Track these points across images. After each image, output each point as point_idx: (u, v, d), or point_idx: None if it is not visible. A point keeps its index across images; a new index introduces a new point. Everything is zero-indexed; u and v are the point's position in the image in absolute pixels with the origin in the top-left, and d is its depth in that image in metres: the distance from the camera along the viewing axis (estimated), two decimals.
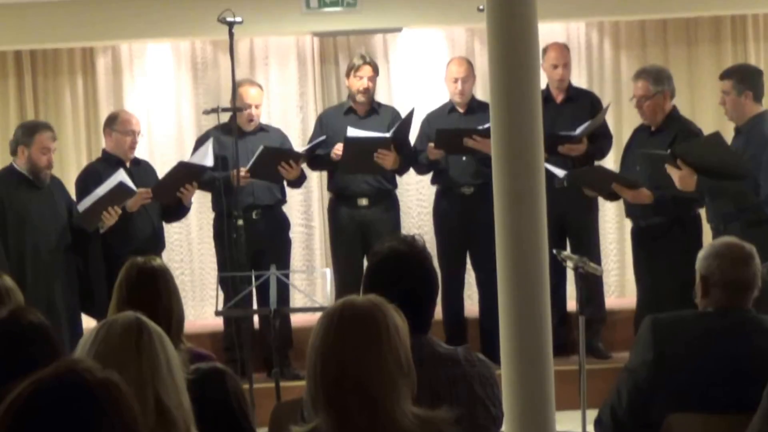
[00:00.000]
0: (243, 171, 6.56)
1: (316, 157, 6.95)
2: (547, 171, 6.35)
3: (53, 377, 1.79)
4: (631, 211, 6.43)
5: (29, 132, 6.39)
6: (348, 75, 7.04)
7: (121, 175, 6.38)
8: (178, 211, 6.85)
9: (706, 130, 6.54)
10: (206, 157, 6.55)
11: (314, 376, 2.31)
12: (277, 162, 6.69)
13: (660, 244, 6.21)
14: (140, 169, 6.76)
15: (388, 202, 7.06)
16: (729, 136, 6.40)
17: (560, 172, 6.37)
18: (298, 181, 7.02)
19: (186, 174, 6.58)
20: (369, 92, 7.01)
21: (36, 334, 2.90)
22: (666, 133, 6.28)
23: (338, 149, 6.76)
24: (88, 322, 6.50)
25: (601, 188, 6.44)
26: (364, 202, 6.95)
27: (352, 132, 6.72)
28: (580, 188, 6.49)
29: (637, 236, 6.47)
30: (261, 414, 4.91)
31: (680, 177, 5.86)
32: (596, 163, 6.89)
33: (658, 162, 6.01)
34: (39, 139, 6.32)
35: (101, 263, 6.42)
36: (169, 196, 6.63)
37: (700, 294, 3.50)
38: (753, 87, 6.06)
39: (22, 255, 6.31)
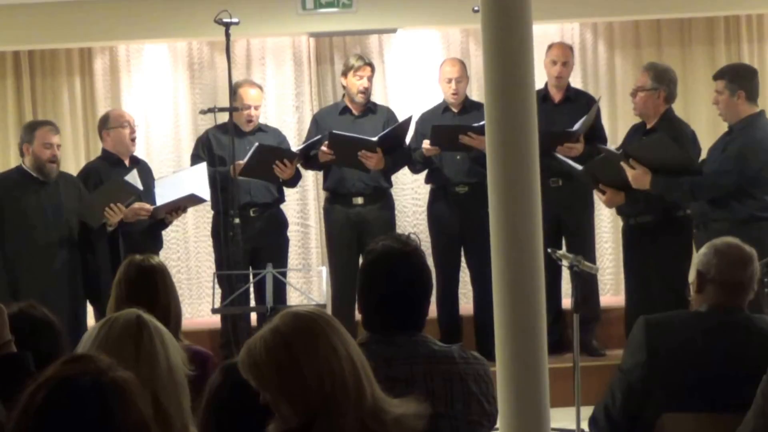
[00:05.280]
0: (240, 164, 6.58)
1: (308, 158, 6.96)
2: (567, 165, 6.40)
3: (74, 376, 1.81)
4: (621, 208, 6.41)
5: (30, 129, 6.51)
6: (345, 75, 7.05)
7: (132, 175, 6.43)
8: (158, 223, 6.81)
9: (700, 129, 6.54)
10: (203, 188, 6.52)
11: (294, 394, 2.29)
12: (271, 160, 6.71)
13: (649, 242, 6.20)
14: (139, 168, 6.78)
15: (383, 200, 7.08)
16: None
17: (578, 166, 6.38)
18: (293, 181, 7.02)
19: (186, 202, 6.62)
20: (368, 92, 7.04)
21: (44, 329, 2.94)
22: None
23: (325, 147, 6.77)
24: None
25: (615, 178, 6.17)
26: (359, 200, 6.98)
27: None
28: (596, 183, 6.32)
29: (627, 234, 6.48)
30: None
31: (634, 176, 5.90)
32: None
33: (614, 160, 6.01)
34: (39, 135, 6.41)
35: (107, 258, 6.45)
36: (162, 216, 6.66)
37: (695, 289, 3.51)
38: (746, 87, 6.00)
39: (18, 250, 6.33)
